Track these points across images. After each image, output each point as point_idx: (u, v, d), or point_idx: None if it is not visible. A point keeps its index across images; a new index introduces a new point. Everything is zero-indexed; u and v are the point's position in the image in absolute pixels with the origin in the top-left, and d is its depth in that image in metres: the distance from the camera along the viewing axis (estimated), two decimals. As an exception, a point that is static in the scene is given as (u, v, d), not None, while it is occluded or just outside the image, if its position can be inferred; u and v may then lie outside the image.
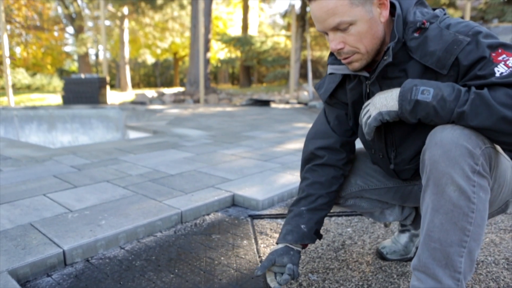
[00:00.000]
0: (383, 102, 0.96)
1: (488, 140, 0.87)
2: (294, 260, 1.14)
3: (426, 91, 0.87)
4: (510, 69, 0.84)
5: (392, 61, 0.97)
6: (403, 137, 1.07)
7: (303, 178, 1.24)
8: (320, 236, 1.21)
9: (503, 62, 0.85)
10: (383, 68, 1.00)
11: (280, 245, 1.17)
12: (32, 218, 1.68)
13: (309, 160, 1.23)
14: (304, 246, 1.20)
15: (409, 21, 0.97)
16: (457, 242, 0.85)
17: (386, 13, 0.96)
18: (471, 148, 0.83)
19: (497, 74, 0.84)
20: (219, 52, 23.67)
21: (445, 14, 1.00)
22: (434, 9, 1.03)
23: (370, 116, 0.99)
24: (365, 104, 1.03)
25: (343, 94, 1.18)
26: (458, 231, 0.85)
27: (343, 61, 1.02)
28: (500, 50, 0.87)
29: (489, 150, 0.86)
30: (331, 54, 1.13)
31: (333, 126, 1.21)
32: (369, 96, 1.09)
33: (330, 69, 1.14)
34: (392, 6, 1.00)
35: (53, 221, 1.64)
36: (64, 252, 1.38)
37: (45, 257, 1.33)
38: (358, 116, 1.13)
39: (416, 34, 0.96)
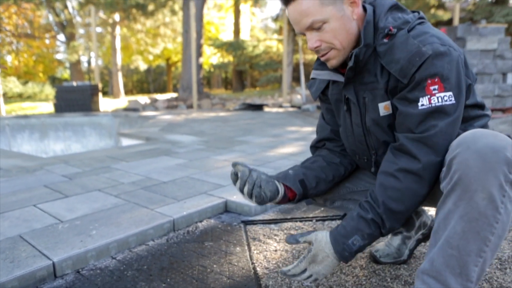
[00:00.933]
0: (329, 270, 1.02)
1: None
2: (270, 186, 1.07)
3: (356, 240, 0.98)
4: (430, 105, 0.92)
5: (353, 66, 1.01)
6: (380, 139, 1.09)
7: None
8: (308, 201, 1.20)
9: (429, 95, 0.92)
10: (360, 73, 1.05)
11: None
12: (22, 229, 1.65)
13: (313, 153, 1.32)
14: (289, 197, 1.14)
15: (380, 27, 1.00)
16: (476, 251, 0.83)
17: (358, 10, 1.00)
18: (509, 154, 0.81)
19: (419, 106, 0.93)
20: (211, 57, 23.70)
21: (419, 18, 1.02)
22: (413, 11, 1.05)
23: (316, 279, 1.03)
24: (301, 268, 1.03)
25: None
26: (479, 241, 0.83)
27: (321, 59, 1.06)
28: (436, 79, 0.91)
29: None
30: (317, 59, 1.16)
31: (326, 119, 1.28)
32: (347, 100, 1.12)
33: (313, 74, 1.19)
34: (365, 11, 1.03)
35: (43, 232, 1.62)
36: (54, 264, 1.36)
37: (34, 269, 1.31)
38: (340, 113, 1.19)
39: (385, 40, 0.99)
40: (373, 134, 1.09)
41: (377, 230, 0.98)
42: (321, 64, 1.14)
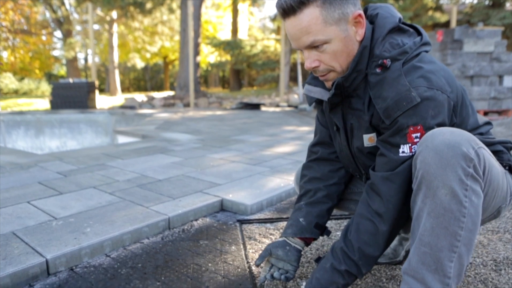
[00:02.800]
0: None
1: (478, 140, 0.87)
2: (290, 256, 1.13)
3: None
4: (410, 154, 0.91)
5: (337, 93, 1.00)
6: (367, 164, 1.09)
7: (301, 176, 1.28)
8: (326, 231, 1.21)
9: (410, 143, 0.91)
10: (350, 97, 1.03)
11: (280, 239, 1.18)
12: (15, 226, 1.63)
13: (307, 158, 1.29)
14: (308, 242, 1.19)
15: (375, 54, 0.95)
16: (448, 247, 0.84)
17: (362, 31, 0.95)
18: (465, 149, 0.81)
19: (400, 152, 0.92)
20: (209, 55, 23.66)
21: (422, 45, 0.97)
22: (416, 30, 1.00)
23: None
24: None
25: None
26: (449, 236, 0.83)
27: (320, 78, 1.03)
28: (419, 127, 0.90)
29: (482, 151, 0.85)
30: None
31: (321, 121, 1.25)
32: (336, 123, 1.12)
33: (305, 90, 1.15)
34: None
35: (37, 229, 1.60)
36: (47, 261, 1.34)
37: (27, 267, 1.29)
38: (333, 124, 1.16)
39: (378, 70, 0.95)
40: (359, 158, 1.10)
41: (351, 278, 1.00)
42: (314, 79, 1.11)
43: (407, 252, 1.41)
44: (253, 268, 1.37)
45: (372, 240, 0.97)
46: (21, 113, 8.04)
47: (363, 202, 1.01)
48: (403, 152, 0.92)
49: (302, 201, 1.22)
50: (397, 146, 0.93)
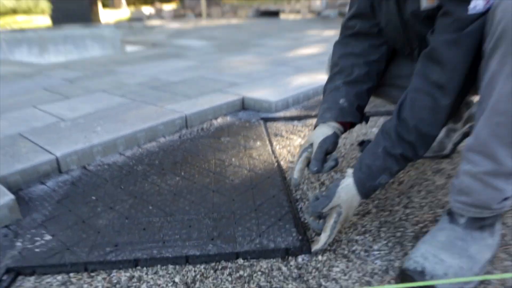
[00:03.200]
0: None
1: None
2: (335, 146, 0.95)
3: (383, 179, 0.83)
4: (484, 9, 0.69)
5: None
6: (424, 30, 0.84)
7: (333, 53, 1.04)
8: (365, 118, 1.02)
9: None
10: None
11: (320, 128, 0.96)
12: (21, 128, 1.51)
13: (341, 35, 1.04)
14: (346, 128, 1.00)
15: None
16: None
17: None
18: None
19: (471, 7, 0.70)
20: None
21: None
22: None
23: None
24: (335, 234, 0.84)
25: None
26: None
27: None
28: None
29: None
30: None
31: None
32: None
33: None
34: None
35: (44, 130, 1.47)
36: (57, 158, 1.23)
37: (36, 164, 1.19)
38: None
39: None
40: (413, 27, 0.86)
41: (405, 163, 0.83)
42: None
43: (455, 145, 1.23)
44: (282, 163, 1.23)
45: (431, 117, 0.79)
46: (22, 31, 7.66)
47: (418, 74, 0.81)
48: (475, 7, 0.69)
49: (338, 80, 0.99)
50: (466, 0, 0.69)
